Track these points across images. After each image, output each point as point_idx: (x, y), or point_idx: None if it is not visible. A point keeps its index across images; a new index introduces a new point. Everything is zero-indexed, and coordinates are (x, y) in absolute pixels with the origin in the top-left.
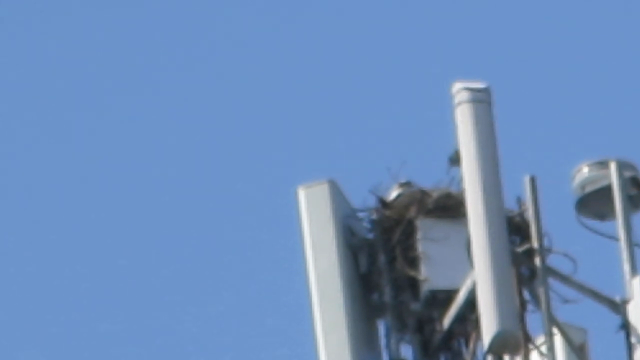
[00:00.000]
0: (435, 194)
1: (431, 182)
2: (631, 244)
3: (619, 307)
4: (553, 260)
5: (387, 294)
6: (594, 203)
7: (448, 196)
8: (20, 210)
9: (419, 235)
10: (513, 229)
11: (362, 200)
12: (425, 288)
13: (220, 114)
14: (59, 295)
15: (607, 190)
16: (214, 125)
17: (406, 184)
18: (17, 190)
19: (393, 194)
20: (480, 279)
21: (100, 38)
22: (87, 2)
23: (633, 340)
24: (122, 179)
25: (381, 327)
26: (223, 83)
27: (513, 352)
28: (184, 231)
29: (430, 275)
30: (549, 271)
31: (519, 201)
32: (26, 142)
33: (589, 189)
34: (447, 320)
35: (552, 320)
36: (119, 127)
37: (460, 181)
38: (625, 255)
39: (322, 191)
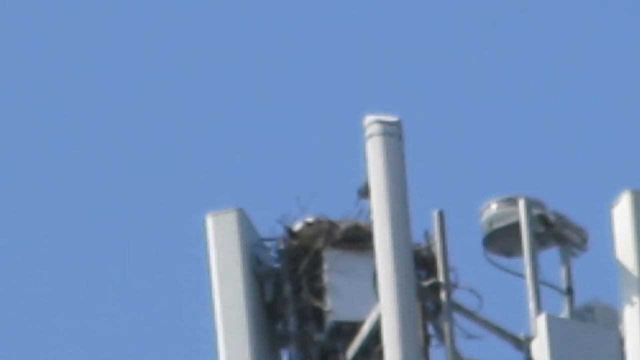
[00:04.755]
0: (343, 226)
1: (340, 213)
2: (537, 282)
3: (522, 344)
4: (459, 296)
5: (292, 324)
6: (501, 239)
7: (356, 228)
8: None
9: (326, 266)
10: (420, 263)
11: (270, 229)
12: (330, 319)
13: (131, 138)
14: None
15: (515, 227)
16: (125, 149)
17: (314, 218)
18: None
19: (301, 224)
20: (385, 312)
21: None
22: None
23: None
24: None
25: (285, 356)
26: (136, 107)
27: None
28: (90, 253)
29: (335, 306)
30: (454, 306)
31: (427, 235)
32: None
33: (496, 225)
34: (351, 351)
35: (455, 356)
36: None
37: (368, 213)
38: (530, 292)
39: (230, 219)
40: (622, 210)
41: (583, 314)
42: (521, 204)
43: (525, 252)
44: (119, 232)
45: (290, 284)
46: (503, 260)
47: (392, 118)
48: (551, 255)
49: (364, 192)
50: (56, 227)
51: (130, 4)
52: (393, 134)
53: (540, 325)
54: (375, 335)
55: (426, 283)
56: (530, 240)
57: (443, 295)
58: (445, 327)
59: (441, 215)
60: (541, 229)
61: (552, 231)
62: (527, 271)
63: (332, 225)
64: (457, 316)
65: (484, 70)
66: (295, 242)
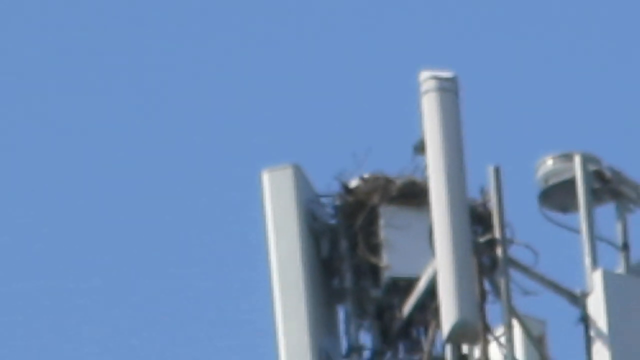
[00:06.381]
0: (399, 182)
1: (395, 169)
2: (593, 237)
3: (578, 300)
4: (514, 251)
5: (348, 280)
6: (557, 195)
7: (412, 184)
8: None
9: (382, 222)
10: (475, 219)
11: (326, 185)
12: (386, 275)
13: (186, 98)
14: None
15: (570, 183)
16: (179, 109)
17: (370, 175)
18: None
19: (357, 180)
20: (441, 268)
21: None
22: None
23: (592, 333)
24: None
25: (341, 312)
26: (188, 69)
27: (472, 342)
28: (147, 214)
29: (391, 262)
30: (510, 262)
31: (483, 191)
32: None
33: (552, 181)
34: (407, 308)
35: (511, 312)
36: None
37: (424, 169)
38: (586, 248)
39: (286, 175)
40: None
41: (639, 270)
42: (577, 159)
43: (581, 208)
44: (174, 189)
45: (346, 240)
46: (559, 216)
47: (447, 74)
48: (607, 211)
49: (420, 148)
50: (122, 195)
51: None
52: (449, 90)
53: (596, 281)
54: (431, 292)
55: (482, 239)
56: (586, 196)
57: (499, 251)
58: (501, 283)
59: (497, 171)
60: (597, 185)
61: (608, 187)
62: (583, 227)
63: (388, 181)
64: (512, 272)
65: (539, 25)
66: (351, 198)
